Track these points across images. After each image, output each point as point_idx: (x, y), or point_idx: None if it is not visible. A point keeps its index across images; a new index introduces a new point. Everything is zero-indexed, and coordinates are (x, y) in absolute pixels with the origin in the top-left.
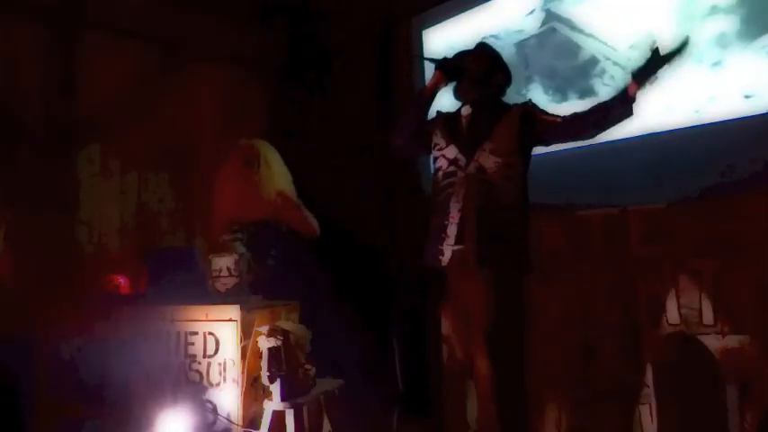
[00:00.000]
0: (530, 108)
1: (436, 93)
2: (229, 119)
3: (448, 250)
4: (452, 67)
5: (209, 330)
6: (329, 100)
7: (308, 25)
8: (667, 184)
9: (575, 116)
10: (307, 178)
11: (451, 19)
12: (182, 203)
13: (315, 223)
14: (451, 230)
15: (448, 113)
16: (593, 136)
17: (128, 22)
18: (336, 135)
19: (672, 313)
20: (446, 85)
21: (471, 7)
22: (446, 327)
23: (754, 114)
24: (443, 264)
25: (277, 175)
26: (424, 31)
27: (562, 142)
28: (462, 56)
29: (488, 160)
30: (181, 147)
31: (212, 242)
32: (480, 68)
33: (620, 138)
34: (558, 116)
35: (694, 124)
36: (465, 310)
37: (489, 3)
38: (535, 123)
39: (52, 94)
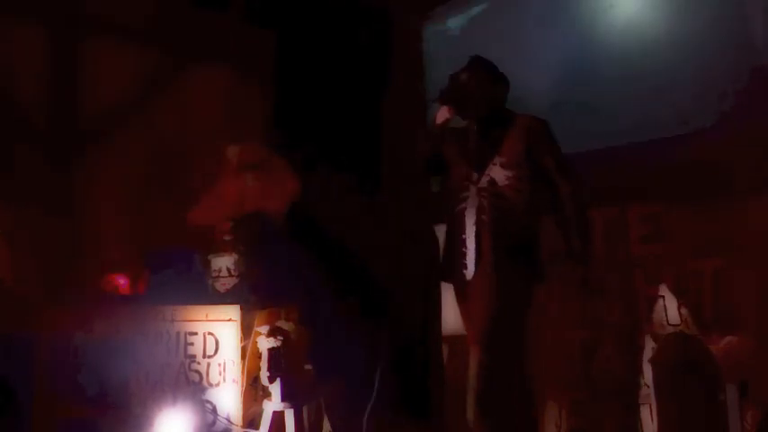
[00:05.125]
0: (540, 135)
1: (447, 126)
2: (229, 120)
3: (471, 264)
4: (453, 97)
5: (209, 330)
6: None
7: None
8: (667, 184)
9: (564, 191)
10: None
11: (451, 19)
12: (183, 204)
13: (288, 181)
14: (470, 243)
15: (456, 129)
16: None
17: (128, 22)
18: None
19: (672, 313)
20: (454, 115)
21: (471, 7)
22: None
23: None
24: (468, 278)
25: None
26: (423, 32)
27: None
28: (458, 78)
29: (500, 174)
30: (180, 147)
31: (212, 242)
32: (480, 86)
33: (621, 137)
34: (559, 164)
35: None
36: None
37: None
38: (538, 152)
39: (53, 95)
